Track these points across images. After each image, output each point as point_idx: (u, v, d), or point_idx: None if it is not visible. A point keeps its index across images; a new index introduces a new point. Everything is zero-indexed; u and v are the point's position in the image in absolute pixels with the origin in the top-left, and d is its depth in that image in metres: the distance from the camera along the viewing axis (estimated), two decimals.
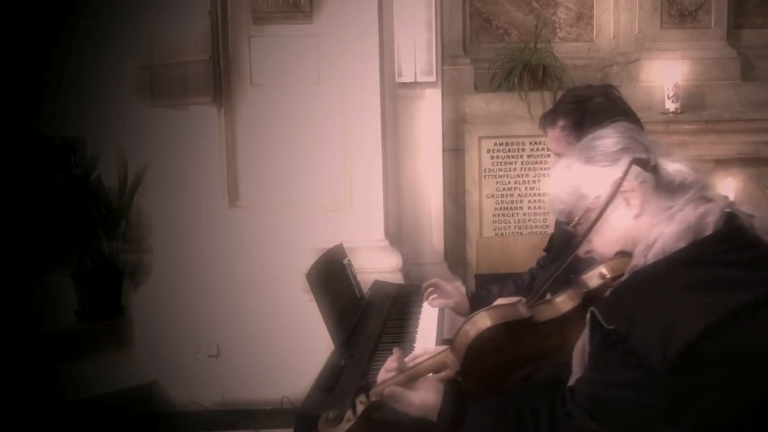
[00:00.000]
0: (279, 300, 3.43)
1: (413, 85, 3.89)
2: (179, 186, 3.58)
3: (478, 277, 3.83)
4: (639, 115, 2.12)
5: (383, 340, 2.16)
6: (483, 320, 1.34)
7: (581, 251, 1.42)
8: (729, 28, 4.27)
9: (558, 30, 4.63)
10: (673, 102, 3.93)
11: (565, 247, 2.15)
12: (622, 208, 1.34)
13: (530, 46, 4.30)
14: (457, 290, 2.31)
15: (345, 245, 2.64)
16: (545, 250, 2.39)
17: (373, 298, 2.63)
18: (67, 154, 4.71)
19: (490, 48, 4.52)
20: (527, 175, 4.17)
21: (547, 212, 4.13)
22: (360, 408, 1.35)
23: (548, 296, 1.43)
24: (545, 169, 4.11)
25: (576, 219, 1.39)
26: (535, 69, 4.20)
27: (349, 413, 1.36)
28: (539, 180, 4.16)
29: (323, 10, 3.52)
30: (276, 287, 3.43)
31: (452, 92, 4.20)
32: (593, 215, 1.36)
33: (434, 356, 1.41)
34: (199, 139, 3.57)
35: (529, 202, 4.19)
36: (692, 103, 4.02)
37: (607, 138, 1.38)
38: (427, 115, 3.95)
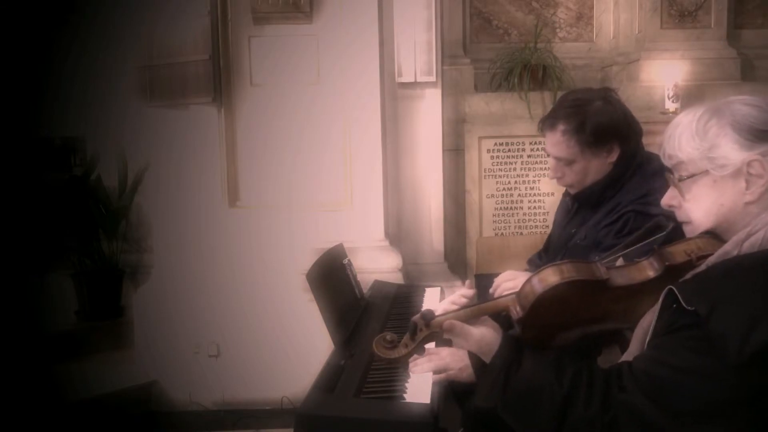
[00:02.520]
0: (279, 300, 3.43)
1: (413, 85, 3.89)
2: (179, 186, 3.58)
3: (478, 277, 3.82)
4: (639, 115, 2.12)
5: None
6: (556, 274, 1.30)
7: (665, 201, 1.37)
8: (729, 28, 4.28)
9: (558, 30, 4.63)
10: (673, 102, 3.93)
11: (562, 248, 2.16)
12: (738, 189, 1.26)
13: (530, 46, 4.30)
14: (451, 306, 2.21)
15: (345, 245, 2.64)
16: (544, 250, 2.39)
17: (373, 298, 2.63)
18: (67, 154, 4.72)
19: (490, 48, 4.52)
20: (527, 175, 4.17)
21: (547, 212, 4.13)
22: (420, 336, 1.37)
23: (620, 262, 1.40)
24: (545, 169, 4.10)
25: (686, 173, 1.31)
26: (535, 69, 4.20)
27: (406, 338, 1.38)
28: (539, 180, 4.16)
29: (323, 10, 3.52)
30: (276, 287, 3.43)
31: (452, 92, 4.20)
32: (708, 180, 1.29)
33: (498, 299, 1.40)
34: (199, 139, 3.57)
35: (529, 202, 4.19)
36: (692, 103, 3.96)
37: (764, 112, 1.27)
38: (427, 115, 3.95)
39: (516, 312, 1.34)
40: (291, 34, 3.52)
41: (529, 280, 1.33)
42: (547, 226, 4.03)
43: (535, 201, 4.19)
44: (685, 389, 1.15)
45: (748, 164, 1.25)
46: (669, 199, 1.37)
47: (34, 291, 3.79)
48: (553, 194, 4.12)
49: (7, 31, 4.30)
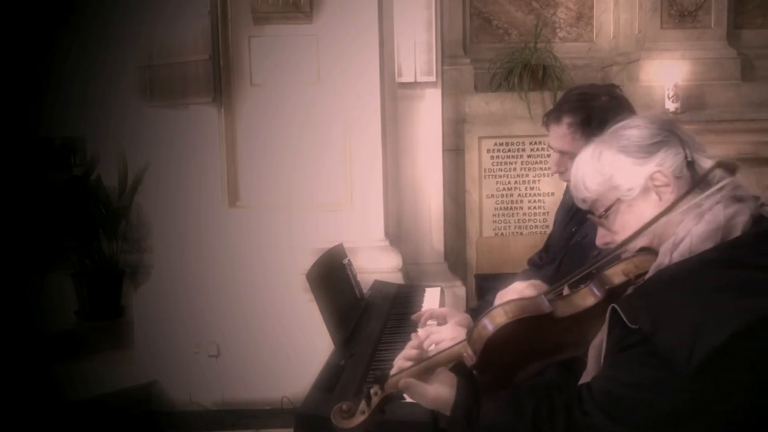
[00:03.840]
0: (279, 300, 3.43)
1: (413, 85, 3.89)
2: (179, 186, 3.58)
3: (478, 277, 3.83)
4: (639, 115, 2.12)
5: (383, 340, 2.16)
6: (502, 315, 1.30)
7: (599, 241, 1.40)
8: (729, 28, 4.27)
9: (558, 30, 4.63)
10: (673, 102, 3.93)
11: (562, 248, 2.16)
12: (653, 203, 1.30)
13: (530, 46, 4.30)
14: (451, 312, 2.16)
15: (345, 245, 2.64)
16: (544, 249, 2.39)
17: (373, 298, 2.63)
18: (67, 154, 4.72)
19: (490, 48, 4.52)
20: (527, 175, 4.17)
21: (547, 212, 4.13)
22: (375, 400, 1.34)
23: (566, 290, 1.40)
24: (545, 169, 4.10)
25: (603, 209, 1.35)
26: (535, 69, 4.20)
27: (363, 405, 1.34)
28: (539, 180, 4.16)
29: (323, 10, 3.52)
30: (276, 287, 3.43)
31: (452, 92, 4.20)
32: (624, 207, 1.33)
33: (450, 348, 1.39)
34: (199, 139, 3.57)
35: (529, 202, 4.19)
36: (692, 103, 4.02)
37: (643, 129, 1.33)
38: (427, 115, 3.95)
39: (469, 357, 1.34)
40: (291, 34, 3.52)
41: (476, 325, 1.33)
42: (547, 226, 4.03)
43: (535, 201, 4.19)
44: (642, 404, 1.16)
45: (651, 178, 1.30)
46: (601, 238, 1.40)
47: (34, 291, 3.79)
48: (553, 194, 4.12)
49: (7, 31, 4.30)
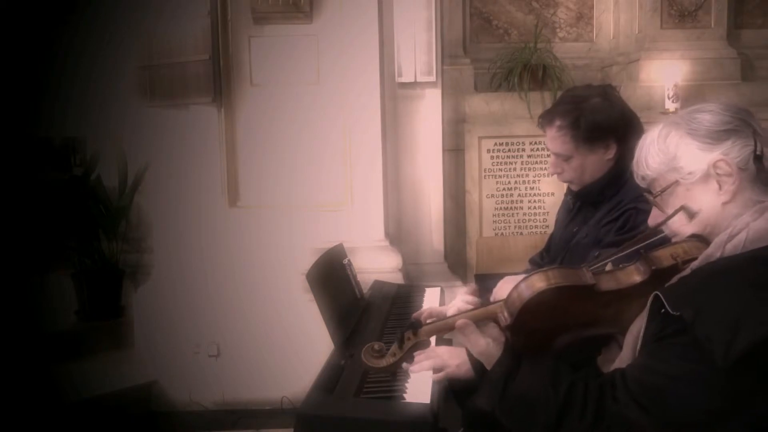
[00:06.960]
0: (279, 300, 3.43)
1: (413, 85, 3.89)
2: (179, 186, 3.58)
3: (477, 277, 3.83)
4: (639, 115, 2.12)
5: (383, 340, 2.16)
6: (543, 280, 1.30)
7: (651, 222, 1.39)
8: (729, 28, 4.28)
9: (558, 30, 4.63)
10: (673, 102, 3.93)
11: (564, 248, 2.16)
12: (712, 191, 1.28)
13: (530, 46, 4.30)
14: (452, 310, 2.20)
15: (345, 245, 2.64)
16: (545, 250, 2.39)
17: (373, 298, 2.63)
18: (67, 154, 4.73)
19: (490, 48, 4.52)
20: (527, 175, 4.17)
21: (547, 212, 4.13)
22: (407, 345, 1.37)
23: (608, 267, 1.40)
24: (545, 169, 4.10)
25: (659, 189, 1.34)
26: (535, 69, 4.20)
27: (394, 347, 1.38)
28: (539, 180, 4.16)
29: (323, 10, 3.52)
30: (276, 287, 3.43)
31: (452, 92, 4.20)
32: (681, 190, 1.31)
33: (486, 306, 1.39)
34: (199, 139, 3.57)
35: (529, 202, 4.19)
36: (692, 103, 3.95)
37: (717, 114, 1.30)
38: (427, 115, 3.95)
39: (504, 319, 1.34)
40: (291, 34, 3.52)
41: (516, 287, 1.33)
42: (548, 226, 4.03)
43: (535, 201, 4.19)
44: (677, 397, 1.14)
45: (714, 165, 1.28)
46: (654, 218, 1.39)
47: (34, 291, 3.79)
48: (553, 194, 4.12)
49: (7, 31, 4.30)
